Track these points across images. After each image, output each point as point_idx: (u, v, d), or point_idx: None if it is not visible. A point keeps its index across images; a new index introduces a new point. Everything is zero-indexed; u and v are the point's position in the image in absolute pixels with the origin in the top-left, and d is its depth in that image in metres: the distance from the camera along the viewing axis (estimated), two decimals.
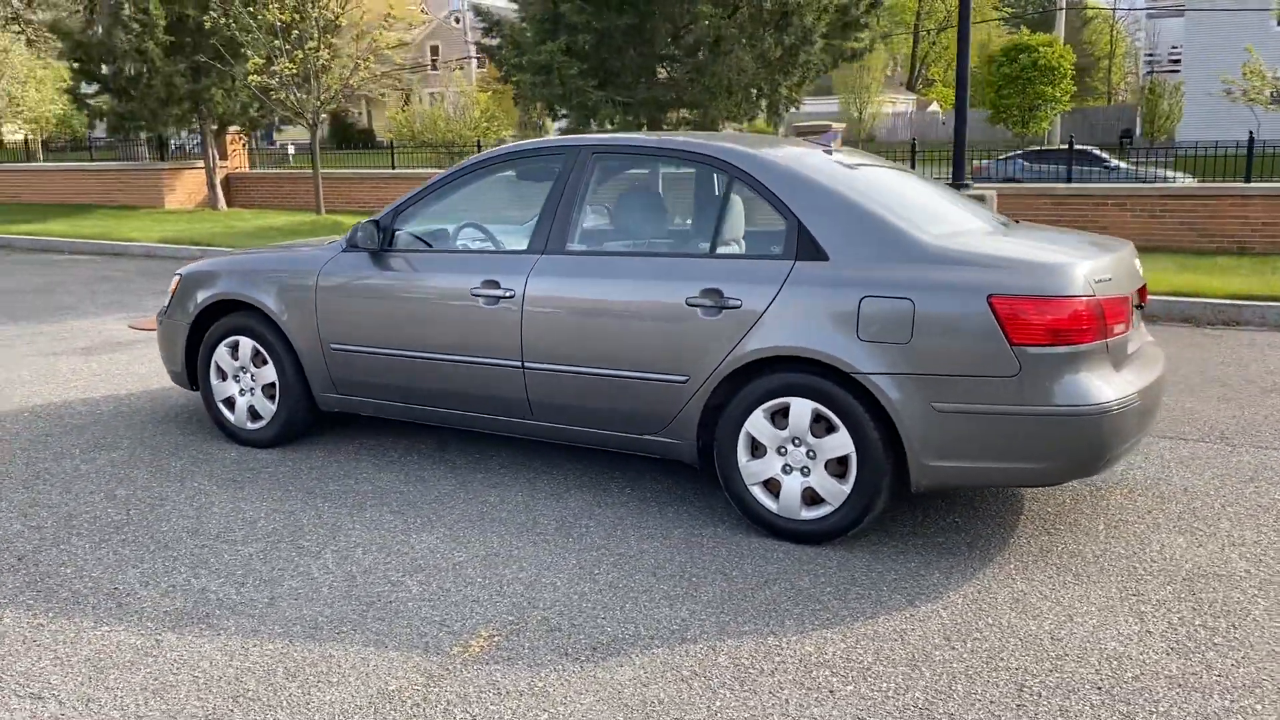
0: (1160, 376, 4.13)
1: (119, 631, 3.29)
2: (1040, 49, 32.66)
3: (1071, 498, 4.48)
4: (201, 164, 19.58)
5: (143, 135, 21.51)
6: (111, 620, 3.37)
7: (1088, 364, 3.65)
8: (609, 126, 13.17)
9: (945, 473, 3.74)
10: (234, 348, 5.19)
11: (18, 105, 36.81)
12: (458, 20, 58.94)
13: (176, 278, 5.46)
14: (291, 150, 30.97)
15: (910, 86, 64.65)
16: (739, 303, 3.97)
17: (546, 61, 12.12)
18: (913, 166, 14.17)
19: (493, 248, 4.87)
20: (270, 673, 3.04)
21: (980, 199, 10.38)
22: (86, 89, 18.65)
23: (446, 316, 4.56)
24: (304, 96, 15.25)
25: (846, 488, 3.85)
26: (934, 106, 59.76)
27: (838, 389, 3.81)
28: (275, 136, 49.56)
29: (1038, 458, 3.66)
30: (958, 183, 10.61)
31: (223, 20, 15.39)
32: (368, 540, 4.01)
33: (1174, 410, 5.85)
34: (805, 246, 3.95)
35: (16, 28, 29.64)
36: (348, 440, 5.29)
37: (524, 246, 4.51)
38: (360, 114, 55.43)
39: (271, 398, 5.12)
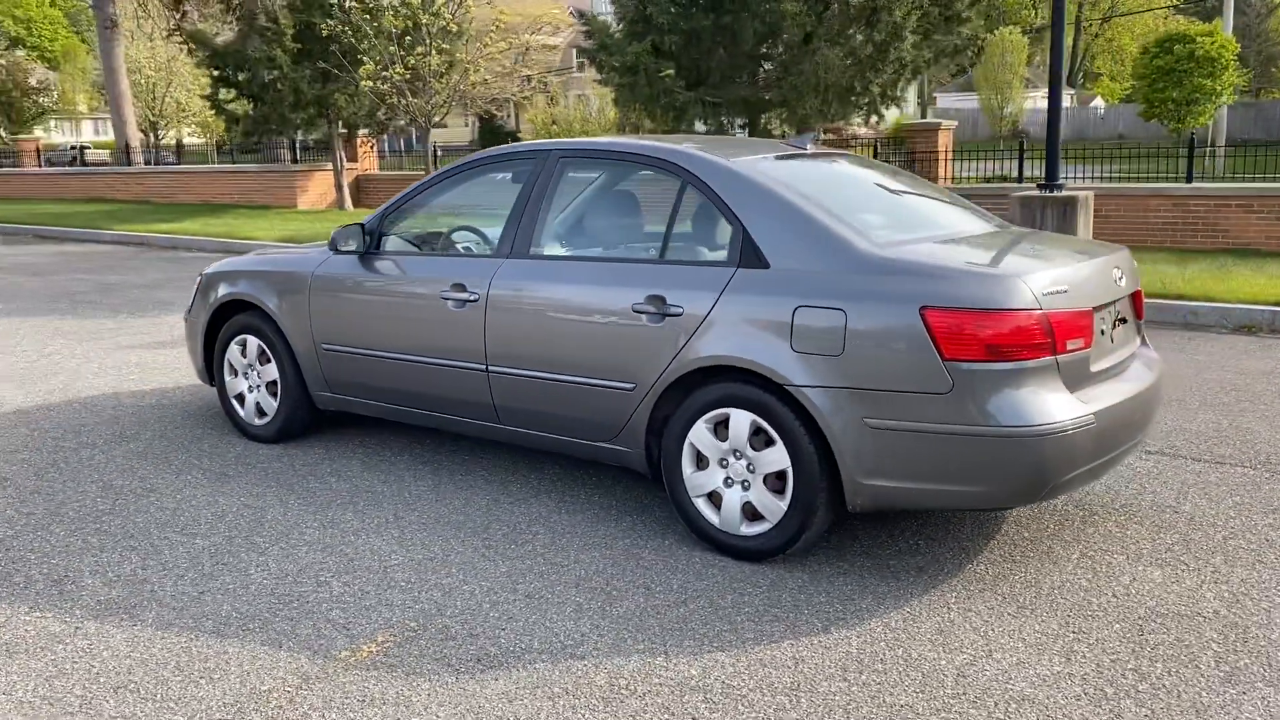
0: (1142, 394, 3.83)
1: (46, 618, 3.45)
2: (1199, 39, 30.71)
3: (1057, 522, 4.19)
4: (347, 167, 20.44)
5: (285, 138, 22.59)
6: (46, 607, 3.53)
7: (1032, 382, 3.41)
8: (700, 127, 13.09)
9: (880, 492, 3.55)
10: (243, 346, 5.38)
11: (184, 110, 39.40)
12: None
13: (199, 277, 5.70)
14: (440, 152, 31.96)
15: (1070, 81, 61.90)
16: (680, 310, 3.87)
17: (633, 63, 12.15)
18: (1020, 164, 13.55)
19: (475, 251, 4.90)
20: (162, 666, 3.13)
21: (1071, 200, 9.86)
22: (225, 94, 19.67)
23: (420, 318, 4.61)
24: (415, 101, 15.72)
25: (784, 504, 3.71)
26: (1097, 101, 57.09)
27: (775, 401, 3.67)
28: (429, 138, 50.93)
29: (974, 480, 3.44)
30: (1050, 184, 10.09)
31: (339, 28, 16.00)
32: (318, 539, 4.09)
33: (1224, 430, 5.41)
34: (748, 253, 3.82)
35: (180, 37, 31.54)
36: (350, 439, 5.41)
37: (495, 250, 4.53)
38: (508, 116, 56.80)
39: (274, 395, 5.29)
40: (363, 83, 15.87)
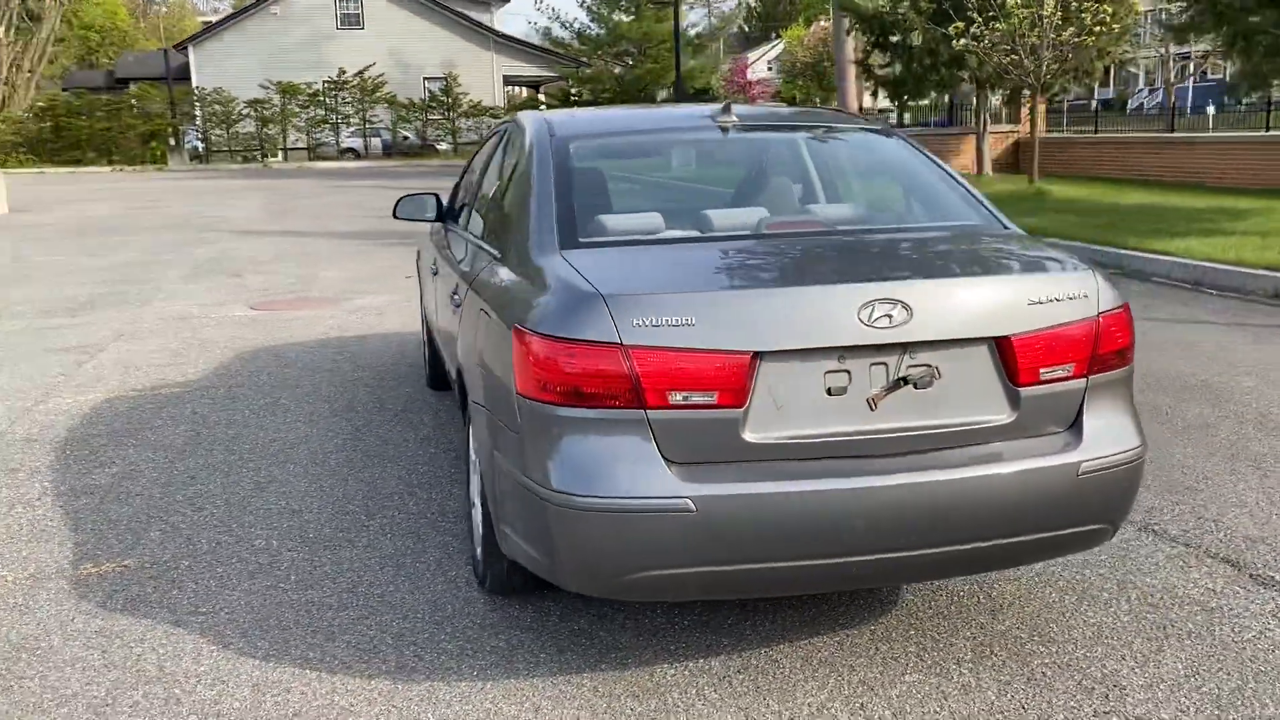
0: (900, 492, 2.55)
1: (14, 495, 4.44)
2: None
3: (971, 641, 2.96)
4: (1003, 129, 19.75)
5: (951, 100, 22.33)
6: (37, 494, 4.48)
7: (603, 439, 2.56)
8: None
9: (507, 541, 2.93)
10: None
11: None
12: None
13: None
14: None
15: None
16: (459, 302, 3.54)
17: (1208, 4, 9.83)
18: None
19: None
20: None
21: None
22: (878, 59, 20.07)
23: (439, 290, 4.73)
24: (1015, 60, 14.42)
25: (481, 532, 3.25)
26: None
27: None
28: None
29: (544, 550, 2.69)
30: None
31: None
32: (269, 477, 4.54)
33: None
34: (505, 241, 3.33)
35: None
36: None
37: None
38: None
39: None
40: (955, 42, 15.06)
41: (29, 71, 43.33)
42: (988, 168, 19.24)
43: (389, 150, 39.46)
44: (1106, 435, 2.75)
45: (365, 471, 4.60)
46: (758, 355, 2.53)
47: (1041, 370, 2.67)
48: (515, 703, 2.77)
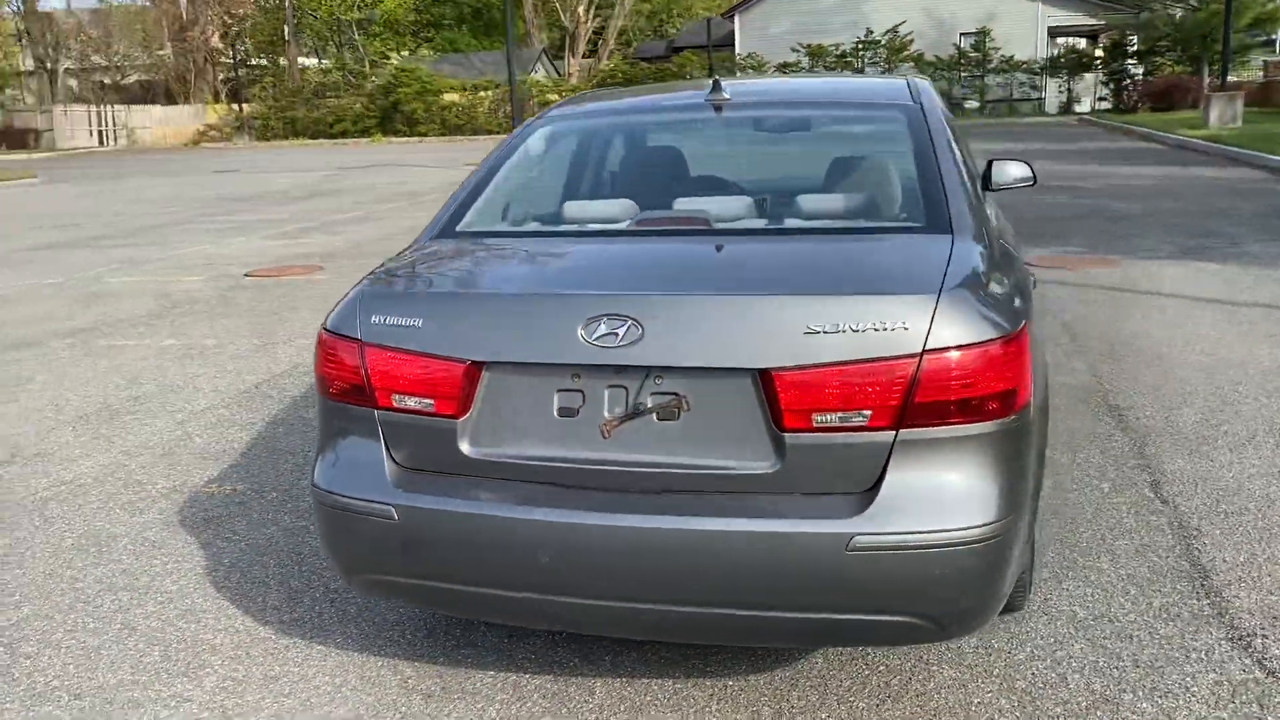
0: (615, 535, 2.24)
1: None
2: None
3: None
4: None
5: None
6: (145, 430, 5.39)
7: (348, 435, 2.59)
8: None
9: None
10: None
11: None
12: None
13: None
14: None
15: None
16: None
17: None
18: None
19: None
20: (154, 451, 4.78)
21: None
22: None
23: None
24: None
25: None
26: None
27: None
28: None
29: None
30: None
31: None
32: None
33: None
34: None
35: None
36: None
37: None
38: None
39: None
40: None
41: (603, 45, 48.93)
42: None
43: None
44: (916, 506, 2.12)
45: None
46: (479, 365, 2.35)
47: (815, 415, 2.13)
48: (331, 677, 2.85)
